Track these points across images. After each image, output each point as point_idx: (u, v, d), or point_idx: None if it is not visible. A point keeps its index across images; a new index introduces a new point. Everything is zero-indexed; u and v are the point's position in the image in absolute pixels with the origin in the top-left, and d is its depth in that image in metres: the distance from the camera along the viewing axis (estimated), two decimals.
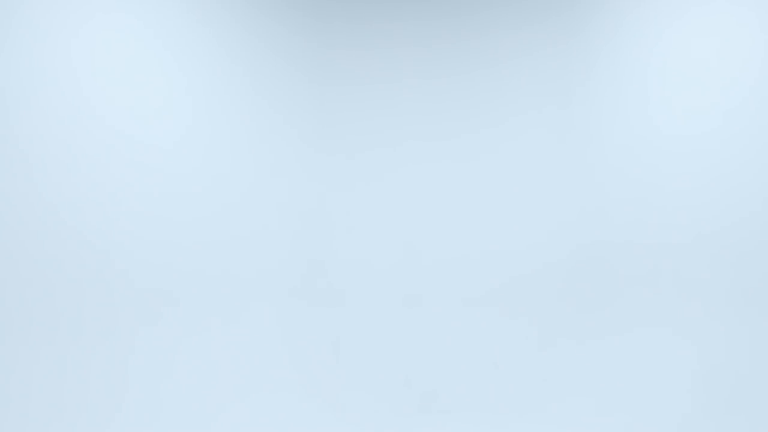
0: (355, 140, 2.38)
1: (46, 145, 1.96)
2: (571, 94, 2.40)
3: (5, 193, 1.83)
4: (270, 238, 2.29)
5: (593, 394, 2.22)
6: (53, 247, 1.90)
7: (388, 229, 2.36)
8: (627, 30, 2.39)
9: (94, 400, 1.95)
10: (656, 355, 2.23)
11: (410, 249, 2.35)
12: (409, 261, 2.35)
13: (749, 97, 2.27)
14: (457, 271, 2.30)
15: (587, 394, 2.23)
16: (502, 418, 2.21)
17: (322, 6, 2.45)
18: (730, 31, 2.31)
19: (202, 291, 2.16)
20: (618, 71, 2.38)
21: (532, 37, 2.41)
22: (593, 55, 2.41)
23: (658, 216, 2.29)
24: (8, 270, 1.83)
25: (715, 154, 2.28)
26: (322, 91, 2.42)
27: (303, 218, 2.31)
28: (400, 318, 2.32)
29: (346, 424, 2.15)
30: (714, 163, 2.27)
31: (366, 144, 2.38)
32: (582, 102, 2.40)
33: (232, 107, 2.33)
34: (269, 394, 2.16)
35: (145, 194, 2.02)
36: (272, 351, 2.19)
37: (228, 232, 2.22)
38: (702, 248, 2.25)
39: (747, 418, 2.15)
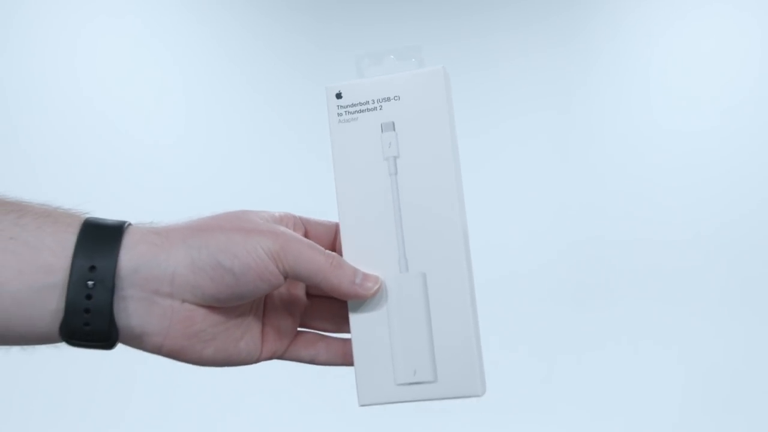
0: None
1: (47, 143, 1.96)
2: (571, 93, 2.40)
3: (6, 189, 1.83)
4: None
5: (592, 392, 2.22)
6: None
7: None
8: (627, 30, 2.40)
9: (99, 400, 1.94)
10: (654, 354, 2.23)
11: None
12: None
13: (749, 96, 2.28)
14: None
15: (586, 393, 2.23)
16: (503, 418, 2.21)
17: (321, 6, 2.46)
18: (730, 31, 2.32)
19: None
20: (618, 71, 2.39)
21: (532, 38, 2.42)
22: (593, 55, 2.42)
23: (657, 213, 2.30)
24: None
25: (715, 152, 2.29)
26: (322, 92, 2.42)
27: None
28: None
29: (346, 424, 2.14)
30: (714, 160, 2.28)
31: None
32: (582, 101, 2.40)
33: (231, 107, 2.33)
34: (269, 394, 2.15)
35: (144, 191, 2.02)
36: None
37: None
38: (702, 246, 2.26)
39: (746, 418, 2.15)
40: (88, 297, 0.41)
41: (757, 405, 2.16)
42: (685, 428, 2.16)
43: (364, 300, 0.47)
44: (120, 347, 0.47)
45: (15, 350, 0.45)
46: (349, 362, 0.49)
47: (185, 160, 2.20)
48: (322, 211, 0.53)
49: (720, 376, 2.19)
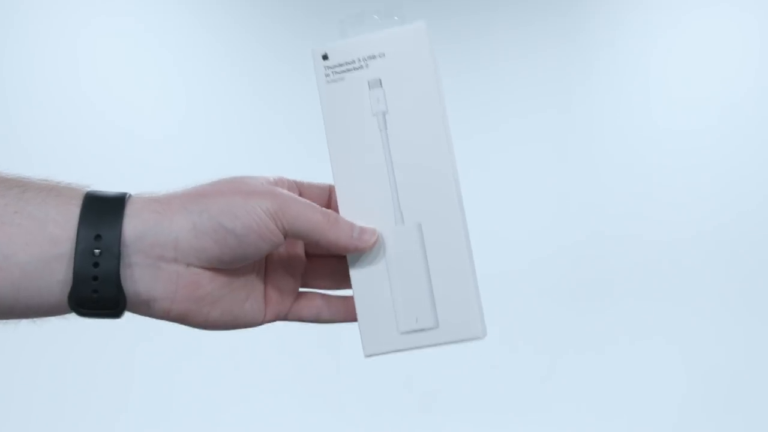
0: None
1: (47, 141, 1.96)
2: (571, 93, 2.40)
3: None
4: None
5: (593, 392, 2.22)
6: None
7: None
8: (627, 30, 2.40)
9: (98, 399, 1.94)
10: (654, 352, 2.23)
11: None
12: None
13: (748, 96, 2.28)
14: None
15: (587, 393, 2.23)
16: (502, 418, 2.21)
17: (321, 4, 2.46)
18: (729, 30, 2.32)
19: None
20: (618, 70, 2.39)
21: (532, 38, 2.42)
22: (593, 55, 2.42)
23: (657, 212, 2.30)
24: None
25: (714, 151, 2.29)
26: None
27: None
28: None
29: (346, 424, 2.14)
30: (714, 160, 2.29)
31: None
32: (582, 101, 2.41)
33: (231, 107, 2.33)
34: (269, 395, 2.15)
35: (143, 189, 2.02)
36: (272, 351, 2.18)
37: None
38: (702, 245, 2.26)
39: (745, 417, 2.15)
40: (95, 265, 0.42)
41: (757, 405, 2.16)
42: (685, 427, 2.16)
43: (362, 253, 0.48)
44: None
45: (24, 323, 0.46)
46: (351, 318, 0.50)
47: (185, 159, 2.20)
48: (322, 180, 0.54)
49: (720, 375, 2.19)
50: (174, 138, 2.20)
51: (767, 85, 2.29)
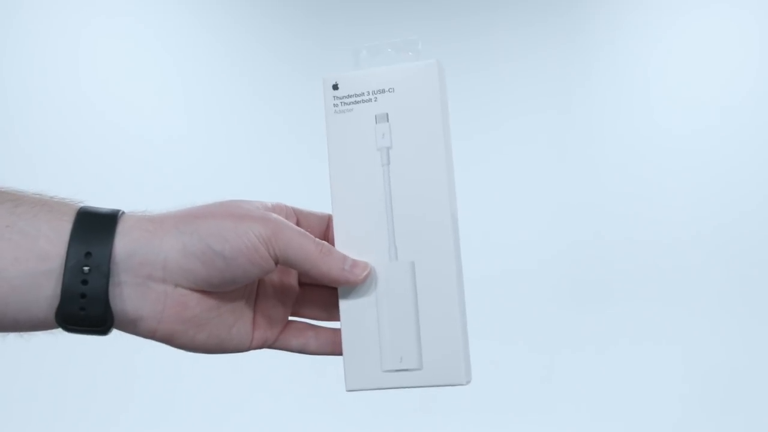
0: None
1: (47, 141, 1.96)
2: (571, 93, 2.40)
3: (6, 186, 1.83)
4: None
5: (593, 393, 2.22)
6: None
7: None
8: (627, 30, 2.40)
9: (100, 400, 1.94)
10: (654, 353, 2.23)
11: None
12: None
13: (748, 96, 2.28)
14: None
15: (587, 393, 2.23)
16: (502, 418, 2.21)
17: (322, 5, 2.46)
18: (730, 30, 2.32)
19: None
20: (618, 71, 2.39)
21: (532, 38, 2.42)
22: (593, 55, 2.42)
23: (657, 213, 2.30)
24: None
25: (714, 152, 2.29)
26: (322, 92, 2.42)
27: None
28: None
29: (347, 424, 2.14)
30: (714, 160, 2.29)
31: None
32: (582, 101, 2.40)
33: (231, 107, 2.33)
34: (269, 394, 2.15)
35: (144, 189, 2.02)
36: (271, 351, 2.18)
37: None
38: (702, 246, 2.26)
39: (746, 418, 2.15)
40: (84, 282, 0.42)
41: (757, 405, 2.16)
42: (685, 428, 2.16)
43: (353, 286, 0.48)
44: (117, 341, 0.48)
45: (12, 337, 0.46)
46: (338, 351, 0.49)
47: (185, 160, 2.20)
48: (321, 210, 0.54)
49: (720, 376, 2.19)
50: (174, 138, 2.20)
51: (767, 85, 2.29)
